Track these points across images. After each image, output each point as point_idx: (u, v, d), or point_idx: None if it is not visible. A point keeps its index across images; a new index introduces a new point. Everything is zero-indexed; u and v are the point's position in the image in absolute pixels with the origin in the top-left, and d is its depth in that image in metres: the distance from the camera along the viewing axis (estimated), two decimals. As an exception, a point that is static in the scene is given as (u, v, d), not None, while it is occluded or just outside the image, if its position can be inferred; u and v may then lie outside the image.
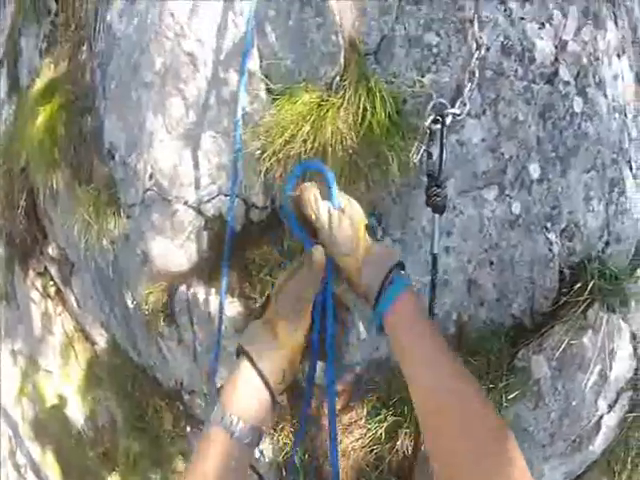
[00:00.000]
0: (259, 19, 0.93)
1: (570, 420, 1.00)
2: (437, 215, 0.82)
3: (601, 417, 1.02)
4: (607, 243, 1.02)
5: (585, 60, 0.95)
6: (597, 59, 0.97)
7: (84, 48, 1.28)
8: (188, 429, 1.16)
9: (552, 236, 0.97)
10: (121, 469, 1.31)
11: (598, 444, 1.03)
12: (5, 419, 1.69)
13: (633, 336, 1.00)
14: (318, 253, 0.54)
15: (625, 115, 1.04)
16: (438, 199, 0.80)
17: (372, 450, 0.96)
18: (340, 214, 0.57)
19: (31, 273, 1.46)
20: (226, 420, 0.48)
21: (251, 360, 0.50)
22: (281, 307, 0.51)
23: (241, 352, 0.52)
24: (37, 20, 1.54)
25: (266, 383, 0.50)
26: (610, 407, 1.01)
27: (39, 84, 1.37)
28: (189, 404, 1.19)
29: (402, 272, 0.56)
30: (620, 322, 0.95)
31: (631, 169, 1.06)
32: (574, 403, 0.98)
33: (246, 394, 0.50)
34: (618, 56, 1.03)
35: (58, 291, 1.46)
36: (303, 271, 0.53)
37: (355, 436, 0.96)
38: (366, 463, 0.97)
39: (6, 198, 1.43)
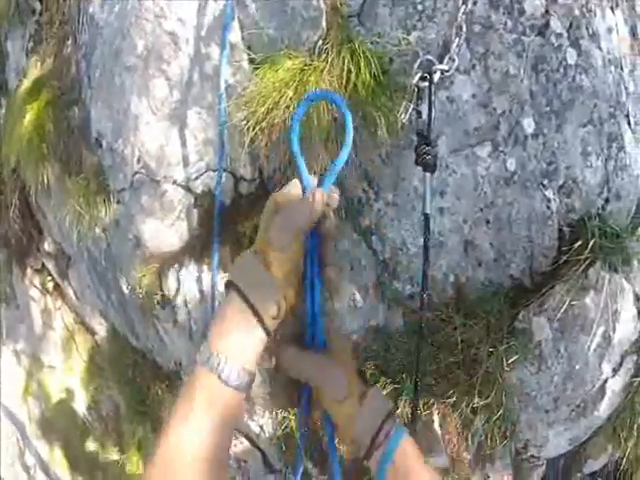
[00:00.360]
0: (238, -9, 0.93)
1: (574, 384, 0.97)
2: (428, 174, 0.81)
3: (605, 381, 0.98)
4: (607, 200, 0.98)
5: (577, 12, 0.92)
6: (590, 11, 0.93)
7: (69, 42, 1.30)
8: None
9: (549, 193, 0.94)
10: (126, 455, 1.32)
11: (603, 409, 1.00)
12: (11, 420, 1.72)
13: (637, 297, 0.96)
14: (319, 193, 0.50)
15: (621, 69, 1.00)
16: (428, 157, 0.78)
17: None
18: (328, 357, 0.50)
19: (29, 271, 1.48)
20: (213, 360, 0.44)
21: (241, 293, 0.45)
22: (274, 236, 0.47)
23: (230, 286, 0.47)
24: (22, 22, 1.57)
25: (259, 318, 0.45)
26: (615, 371, 0.98)
27: (26, 83, 1.39)
28: None
29: (396, 420, 0.50)
30: (623, 282, 0.92)
31: (629, 124, 1.02)
32: (577, 367, 0.94)
33: (236, 331, 0.46)
34: (612, 9, 0.99)
35: (56, 286, 1.48)
36: (301, 203, 0.48)
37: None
38: None
39: (-1, 199, 1.46)
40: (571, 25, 0.92)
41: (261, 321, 0.45)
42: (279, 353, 0.49)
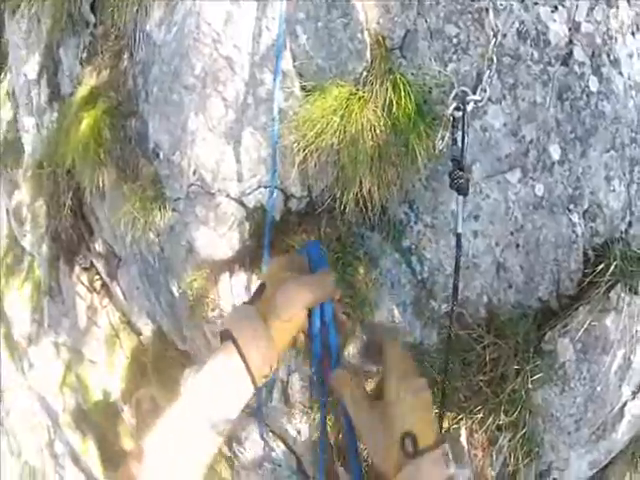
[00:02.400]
0: (290, 22, 1.12)
1: (595, 406, 1.09)
2: (461, 197, 0.96)
3: (625, 404, 1.11)
4: (630, 224, 1.11)
5: (599, 40, 1.05)
6: (611, 38, 1.06)
7: (125, 57, 1.53)
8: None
9: (575, 217, 1.08)
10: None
11: (622, 432, 1.12)
12: (45, 409, 1.95)
13: None
14: (330, 275, 0.53)
15: None
16: (461, 181, 0.94)
17: None
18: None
19: (77, 269, 1.71)
20: (199, 398, 0.48)
21: (238, 347, 0.49)
22: (281, 307, 0.51)
23: (227, 336, 0.50)
24: (75, 32, 1.82)
25: (252, 377, 0.49)
26: (634, 393, 1.10)
27: (81, 91, 1.62)
28: None
29: None
30: None
31: None
32: (599, 388, 1.07)
33: (225, 385, 0.49)
34: (632, 34, 1.11)
35: (104, 285, 1.70)
36: (316, 280, 0.52)
37: None
38: None
39: (51, 198, 1.70)
40: (593, 53, 1.07)
41: (253, 380, 0.49)
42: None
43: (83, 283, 1.68)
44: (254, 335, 0.51)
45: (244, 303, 0.56)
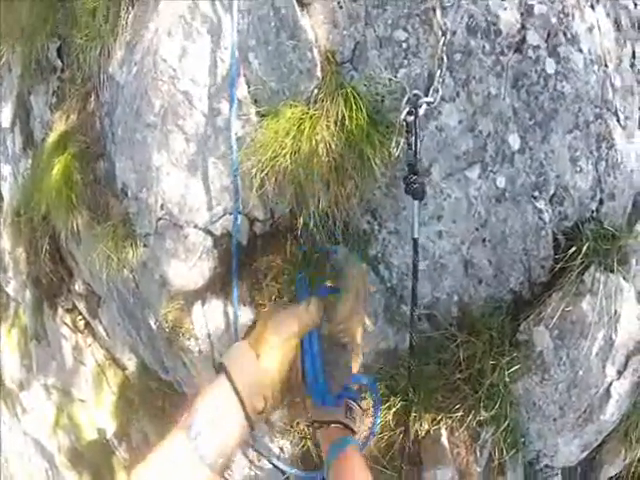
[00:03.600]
0: (242, 50, 1.16)
1: (578, 390, 1.09)
2: (416, 202, 0.98)
3: (610, 384, 1.09)
4: (601, 201, 1.10)
5: (554, 19, 1.03)
6: (567, 15, 1.04)
7: (91, 99, 1.58)
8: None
9: (541, 204, 1.08)
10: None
11: (610, 412, 1.11)
12: (41, 453, 1.95)
13: (639, 296, 1.08)
14: (314, 304, 0.59)
15: (606, 65, 1.10)
16: (416, 185, 0.96)
17: (382, 437, 1.09)
18: None
19: (60, 311, 1.74)
20: (192, 432, 0.48)
21: (232, 382, 0.51)
22: (270, 334, 0.54)
23: (222, 369, 0.53)
24: (44, 78, 1.89)
25: (245, 412, 0.50)
26: (620, 373, 1.09)
27: (52, 137, 1.68)
28: None
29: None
30: (621, 281, 1.04)
31: (618, 120, 1.12)
32: (581, 372, 1.07)
33: (221, 419, 0.50)
34: (592, 6, 1.09)
35: (87, 324, 1.72)
36: (301, 309, 0.57)
37: (366, 424, 1.09)
38: (377, 449, 1.10)
39: (30, 244, 1.74)
40: (549, 34, 1.05)
41: (247, 415, 0.51)
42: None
43: (67, 324, 1.71)
44: (247, 371, 0.53)
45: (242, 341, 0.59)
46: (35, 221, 1.67)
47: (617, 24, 1.18)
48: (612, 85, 1.13)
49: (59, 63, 1.84)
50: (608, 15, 1.16)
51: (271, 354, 0.55)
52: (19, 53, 2.03)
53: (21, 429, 2.07)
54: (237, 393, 0.52)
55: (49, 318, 1.79)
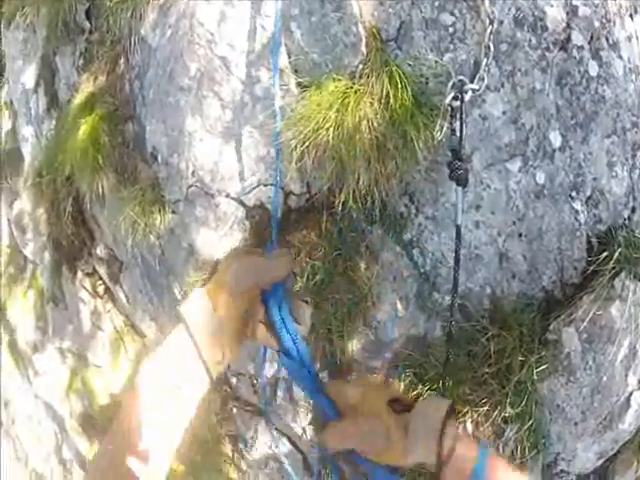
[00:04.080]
0: (284, 18, 1.12)
1: (601, 396, 1.09)
2: (460, 188, 0.96)
3: (631, 394, 1.10)
4: (633, 209, 1.11)
5: (597, 23, 1.05)
6: (609, 21, 1.06)
7: (121, 61, 1.55)
8: (235, 411, 1.35)
9: (577, 205, 1.08)
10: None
11: (629, 422, 1.11)
12: (51, 416, 1.98)
13: None
14: (285, 257, 0.54)
15: None
16: (460, 172, 0.94)
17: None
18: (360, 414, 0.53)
19: (79, 274, 1.74)
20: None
21: (189, 331, 0.50)
22: (231, 281, 0.51)
23: (180, 319, 0.52)
24: (71, 39, 1.85)
25: (203, 361, 0.50)
26: None
27: (79, 98, 1.65)
28: (235, 387, 1.37)
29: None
30: None
31: None
32: (605, 378, 1.07)
33: (180, 368, 0.50)
34: (631, 16, 1.12)
35: (107, 289, 1.72)
36: (268, 260, 0.53)
37: None
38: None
39: (52, 206, 1.72)
40: (592, 37, 1.06)
41: (205, 366, 0.50)
42: (320, 437, 0.57)
43: (86, 289, 1.71)
44: (204, 320, 0.52)
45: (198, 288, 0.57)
46: (58, 182, 1.65)
47: None
48: None
49: (87, 25, 1.79)
50: None
51: (229, 302, 0.53)
52: (44, 14, 1.98)
53: (32, 392, 2.10)
54: (198, 351, 0.51)
55: (68, 281, 1.79)
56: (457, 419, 0.57)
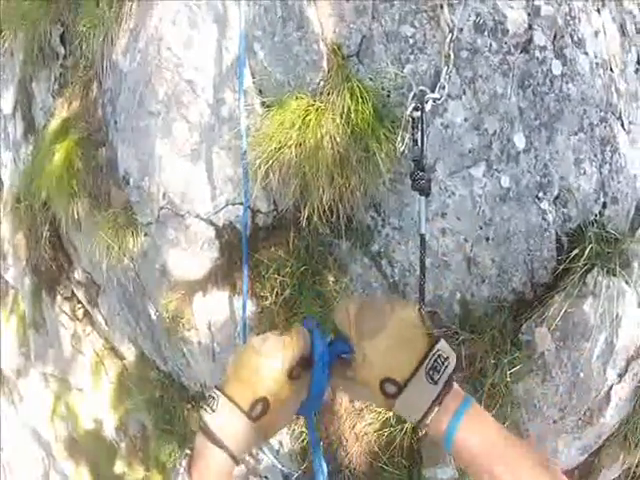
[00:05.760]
0: (247, 40, 1.14)
1: (579, 392, 1.08)
2: (422, 198, 0.97)
3: (611, 387, 1.09)
4: (604, 205, 1.10)
5: (560, 21, 1.03)
6: (574, 18, 1.04)
7: (94, 86, 1.56)
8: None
9: (545, 205, 1.07)
10: (151, 472, 1.51)
11: (610, 416, 1.10)
12: (38, 441, 1.95)
13: None
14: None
15: (611, 70, 1.10)
16: (422, 182, 0.94)
17: (383, 433, 1.08)
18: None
19: (59, 299, 1.73)
20: None
21: (221, 444, 0.49)
22: (275, 426, 0.51)
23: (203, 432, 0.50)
24: (47, 65, 1.86)
25: (230, 455, 0.49)
26: (620, 376, 1.09)
27: (54, 123, 1.66)
28: None
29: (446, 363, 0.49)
30: (623, 285, 1.03)
31: (622, 125, 1.12)
32: (582, 375, 1.06)
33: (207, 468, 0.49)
34: (598, 10, 1.10)
35: (86, 313, 1.71)
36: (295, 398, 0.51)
37: (367, 420, 1.09)
38: (377, 446, 1.09)
39: (30, 231, 1.72)
40: (555, 36, 1.05)
41: (232, 456, 0.49)
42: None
43: (66, 312, 1.70)
44: (245, 446, 0.52)
45: (244, 415, 0.52)
46: (35, 208, 1.65)
47: (622, 29, 1.18)
48: (617, 90, 1.13)
49: (62, 50, 1.81)
50: (614, 20, 1.17)
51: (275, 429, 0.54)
52: (21, 39, 2.00)
53: (18, 417, 2.07)
54: (227, 451, 0.51)
55: (48, 306, 1.78)
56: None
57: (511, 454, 0.48)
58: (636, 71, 1.18)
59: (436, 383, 0.50)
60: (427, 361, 0.50)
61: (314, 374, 0.53)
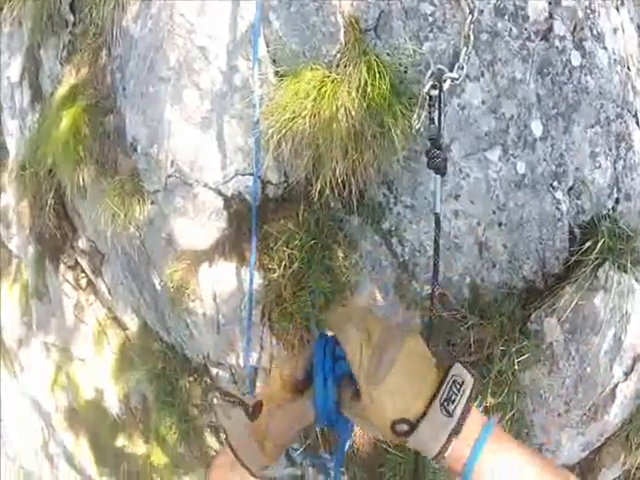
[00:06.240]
0: (263, 9, 1.10)
1: (585, 387, 1.07)
2: (439, 177, 0.94)
3: (617, 385, 1.08)
4: (617, 200, 1.09)
5: (581, 14, 1.03)
6: (594, 12, 1.05)
7: (103, 53, 1.51)
8: (215, 402, 1.33)
9: (559, 194, 1.06)
10: (152, 445, 1.50)
11: (614, 413, 1.10)
12: (38, 411, 1.94)
13: None
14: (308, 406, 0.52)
15: (628, 68, 1.10)
16: (439, 160, 0.92)
17: None
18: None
19: (62, 267, 1.70)
20: None
21: (234, 452, 0.53)
22: (272, 432, 0.54)
23: (230, 449, 0.54)
24: (55, 32, 1.81)
25: (250, 472, 0.54)
26: (626, 375, 1.08)
27: (61, 90, 1.61)
28: (216, 377, 1.35)
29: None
30: (633, 283, 1.02)
31: (638, 123, 1.12)
32: (588, 369, 1.05)
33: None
34: (617, 8, 1.10)
35: (89, 282, 1.69)
36: (295, 409, 0.53)
37: None
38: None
39: (34, 199, 1.69)
40: (575, 27, 1.04)
41: (250, 472, 0.54)
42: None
43: (69, 281, 1.68)
44: (252, 453, 0.55)
45: (245, 411, 0.56)
46: (41, 175, 1.61)
47: (639, 30, 1.17)
48: (633, 88, 1.13)
49: (71, 17, 1.75)
50: (632, 20, 1.17)
51: (275, 447, 0.56)
52: (30, 7, 1.95)
53: (19, 387, 2.06)
54: (244, 465, 0.55)
55: (51, 275, 1.76)
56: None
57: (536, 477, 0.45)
58: (652, 73, 1.17)
59: (452, 415, 0.46)
60: (440, 394, 0.47)
61: (316, 387, 0.53)
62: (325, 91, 1.03)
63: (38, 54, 1.89)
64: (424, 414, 0.47)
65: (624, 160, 1.10)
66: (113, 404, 1.68)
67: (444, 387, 0.48)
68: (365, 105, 1.01)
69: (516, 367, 1.03)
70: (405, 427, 0.47)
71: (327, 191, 1.01)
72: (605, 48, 1.05)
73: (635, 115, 1.11)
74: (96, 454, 1.81)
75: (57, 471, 1.97)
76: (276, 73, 1.11)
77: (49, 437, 1.97)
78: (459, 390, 0.48)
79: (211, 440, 1.38)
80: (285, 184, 1.13)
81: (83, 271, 1.67)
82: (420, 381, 0.49)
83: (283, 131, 1.01)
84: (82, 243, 1.62)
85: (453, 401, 0.47)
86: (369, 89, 1.01)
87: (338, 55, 1.07)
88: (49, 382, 1.88)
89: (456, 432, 0.46)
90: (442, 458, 0.46)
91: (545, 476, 0.46)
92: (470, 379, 0.49)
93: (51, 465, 2.00)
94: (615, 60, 1.06)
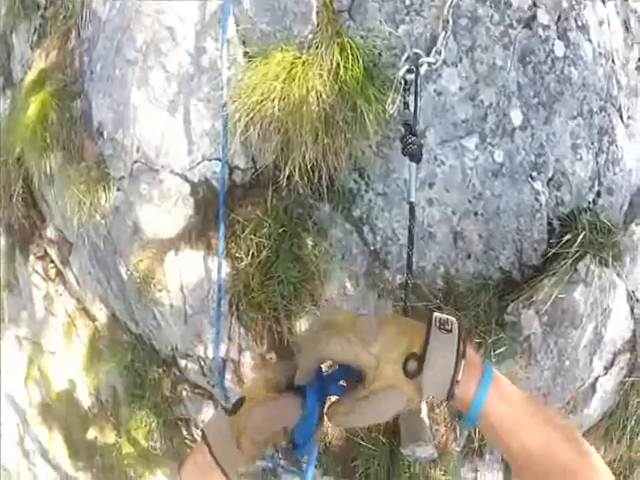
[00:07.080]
0: (234, -12, 1.03)
1: (564, 380, 1.03)
2: (414, 164, 0.89)
3: (596, 379, 1.05)
4: (598, 194, 1.05)
5: (566, 4, 0.99)
6: (579, 3, 1.00)
7: (72, 36, 1.42)
8: (184, 394, 1.27)
9: (538, 185, 1.01)
10: (123, 438, 1.44)
11: (594, 408, 1.06)
12: (13, 407, 1.86)
13: (630, 295, 1.02)
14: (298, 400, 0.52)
15: (613, 62, 1.06)
16: (414, 147, 0.86)
17: None
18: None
19: (32, 258, 1.62)
20: None
21: (212, 453, 0.52)
22: (250, 426, 0.52)
23: (204, 438, 0.53)
24: (27, 16, 1.70)
25: (227, 476, 0.52)
26: (606, 369, 1.05)
27: (31, 75, 1.51)
28: (185, 369, 1.29)
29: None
30: (614, 278, 0.98)
31: (621, 117, 1.07)
32: (567, 362, 1.01)
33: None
34: (603, 1, 1.06)
35: (58, 273, 1.61)
36: (280, 404, 0.52)
37: None
38: None
39: (3, 189, 1.59)
40: (559, 17, 1.00)
41: (223, 472, 0.52)
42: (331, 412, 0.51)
43: (38, 272, 1.59)
44: (226, 445, 0.53)
45: (224, 410, 0.55)
46: (9, 164, 1.52)
47: (626, 25, 1.13)
48: (618, 82, 1.09)
49: (42, 0, 1.65)
50: (618, 14, 1.12)
51: (254, 446, 0.54)
52: (4, -8, 1.83)
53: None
54: (221, 469, 0.53)
55: (21, 266, 1.67)
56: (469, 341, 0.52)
57: (541, 422, 0.47)
58: (637, 68, 1.13)
59: (450, 331, 0.49)
60: (434, 322, 0.50)
61: (307, 395, 0.52)
62: (296, 73, 0.96)
63: (10, 39, 1.78)
64: (427, 339, 0.49)
65: (606, 154, 1.05)
66: (84, 397, 1.61)
67: (434, 320, 0.51)
68: (337, 88, 0.95)
69: (493, 359, 0.99)
70: (414, 364, 0.49)
71: (296, 177, 0.95)
72: (590, 40, 1.01)
73: (619, 110, 1.07)
74: (70, 448, 1.74)
75: (34, 467, 1.89)
76: (245, 54, 1.04)
77: (25, 433, 1.88)
78: (447, 322, 0.51)
79: (182, 433, 1.32)
80: (253, 169, 1.06)
81: (52, 261, 1.59)
82: (413, 324, 0.52)
83: (251, 114, 0.94)
84: (50, 232, 1.54)
85: (448, 323, 0.51)
86: (341, 72, 0.94)
87: (310, 36, 1.00)
88: (22, 376, 1.80)
89: (461, 351, 0.48)
90: (453, 396, 0.47)
91: (548, 419, 0.48)
92: (453, 318, 0.52)
93: (28, 462, 1.92)
94: (600, 53, 1.02)
